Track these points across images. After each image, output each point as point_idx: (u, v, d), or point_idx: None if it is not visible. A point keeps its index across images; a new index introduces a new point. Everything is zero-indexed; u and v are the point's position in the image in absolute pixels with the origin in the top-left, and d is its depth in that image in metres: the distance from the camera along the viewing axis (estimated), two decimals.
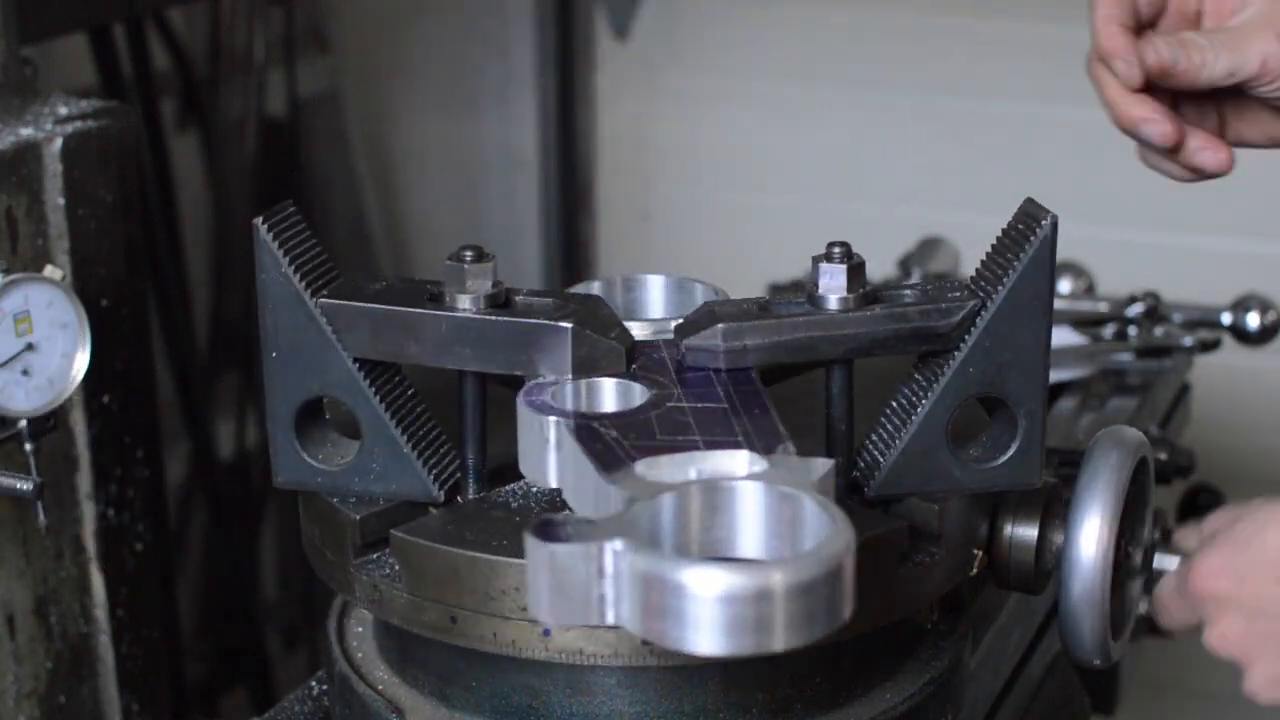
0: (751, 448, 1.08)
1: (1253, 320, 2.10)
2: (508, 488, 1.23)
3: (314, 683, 1.36)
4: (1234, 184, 3.04)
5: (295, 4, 3.02)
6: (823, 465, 1.06)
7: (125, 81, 2.45)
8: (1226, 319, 2.10)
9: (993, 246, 1.23)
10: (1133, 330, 2.04)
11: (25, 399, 1.52)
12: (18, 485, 1.52)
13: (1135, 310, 2.05)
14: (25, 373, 1.51)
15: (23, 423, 1.53)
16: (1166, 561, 1.35)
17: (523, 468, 1.18)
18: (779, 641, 0.95)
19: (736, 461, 1.07)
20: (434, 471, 1.21)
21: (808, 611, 0.95)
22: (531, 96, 3.35)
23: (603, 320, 1.21)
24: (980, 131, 3.02)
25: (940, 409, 1.21)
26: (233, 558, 2.74)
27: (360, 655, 1.30)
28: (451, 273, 1.19)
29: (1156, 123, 1.39)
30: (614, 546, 0.97)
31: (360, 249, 3.32)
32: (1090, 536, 1.26)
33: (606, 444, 1.09)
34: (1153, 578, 1.35)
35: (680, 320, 1.25)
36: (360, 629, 1.33)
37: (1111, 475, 1.27)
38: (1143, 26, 1.42)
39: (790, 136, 3.15)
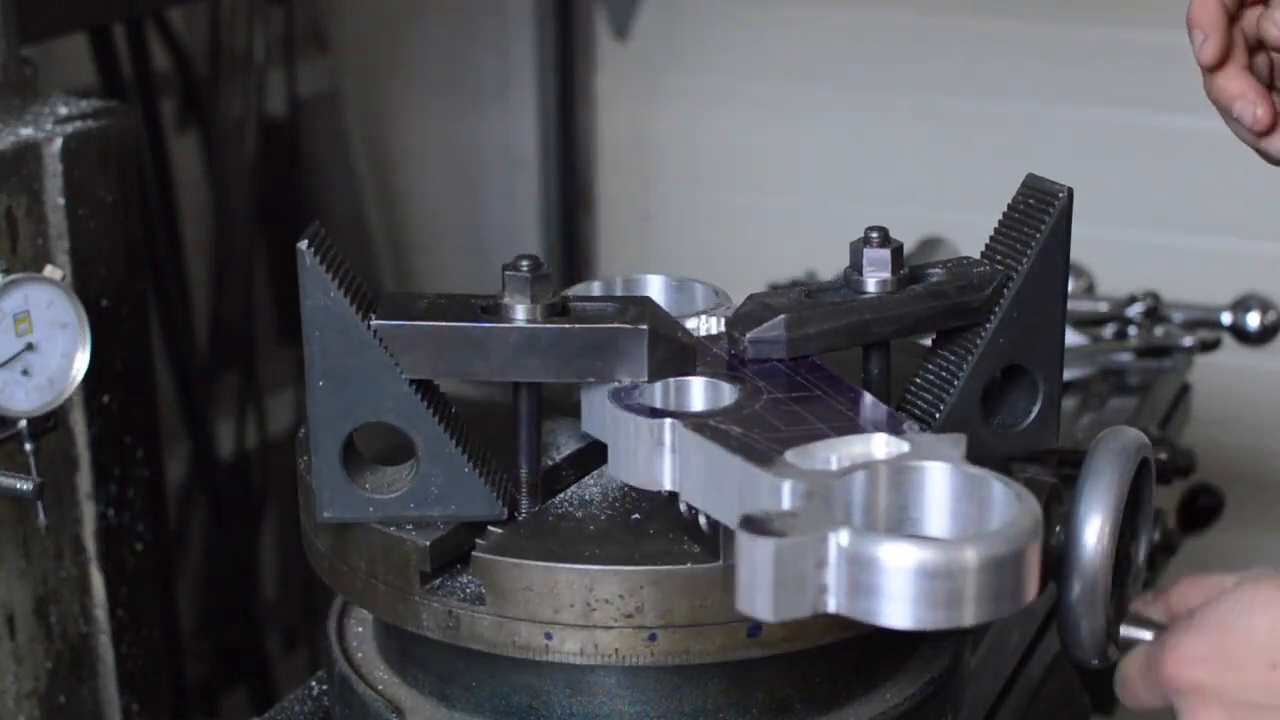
0: (880, 429, 1.10)
1: (1253, 320, 2.10)
2: (558, 498, 1.21)
3: (314, 683, 1.36)
4: (1234, 184, 3.04)
5: (295, 4, 3.02)
6: (956, 440, 1.08)
7: (125, 81, 2.45)
8: (1226, 319, 2.10)
9: (1000, 222, 1.27)
10: (1133, 330, 2.04)
11: (25, 399, 1.52)
12: (18, 485, 1.52)
13: (1135, 310, 2.05)
14: (25, 373, 1.51)
15: (23, 423, 1.53)
16: (1133, 633, 1.29)
17: (622, 474, 1.16)
18: (969, 616, 0.97)
19: (875, 444, 1.09)
20: (494, 489, 1.18)
21: (997, 588, 0.97)
22: (531, 96, 3.35)
23: (665, 320, 1.20)
24: (980, 131, 3.02)
25: (975, 380, 1.24)
26: (233, 558, 2.74)
27: (360, 655, 1.30)
28: (512, 283, 1.16)
29: (1249, 103, 1.34)
30: (838, 537, 0.97)
31: (360, 249, 3.32)
32: (1091, 536, 1.26)
33: (741, 441, 1.09)
34: (1121, 646, 1.31)
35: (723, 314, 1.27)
36: (360, 629, 1.33)
37: (1112, 475, 1.27)
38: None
39: (790, 136, 3.15)
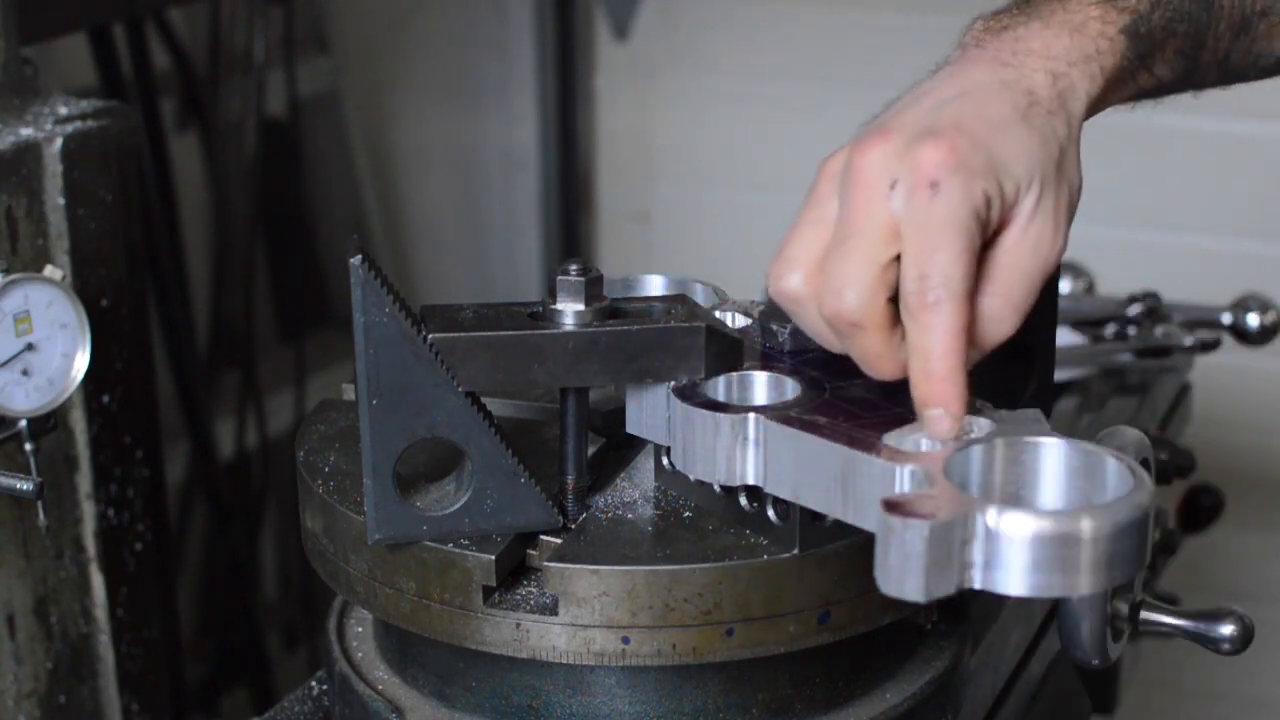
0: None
1: (1253, 320, 2.10)
2: (599, 503, 1.20)
3: (314, 683, 1.36)
4: (1234, 184, 3.04)
5: (295, 4, 3.03)
6: (1036, 415, 1.10)
7: (125, 81, 2.45)
8: (1226, 319, 2.10)
9: None
10: (1133, 330, 2.04)
11: (25, 399, 1.52)
12: (18, 485, 1.52)
13: (1135, 310, 2.05)
14: (25, 373, 1.51)
15: (23, 423, 1.53)
16: (1153, 615, 1.32)
17: (696, 470, 1.15)
18: (1089, 584, 0.99)
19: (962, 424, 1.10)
20: (548, 499, 1.18)
21: (1132, 552, 1.00)
22: (531, 96, 3.35)
23: (710, 317, 1.20)
24: None
25: (985, 357, 1.24)
26: (233, 558, 2.74)
27: (360, 655, 1.30)
28: (564, 288, 1.16)
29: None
30: (985, 514, 0.98)
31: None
32: None
33: (835, 430, 1.09)
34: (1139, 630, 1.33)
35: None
36: (360, 629, 1.33)
37: None
38: None
39: (790, 136, 3.15)
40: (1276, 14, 1.28)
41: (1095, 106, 1.20)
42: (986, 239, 1.11)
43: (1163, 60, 1.24)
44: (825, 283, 1.11)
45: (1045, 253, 1.12)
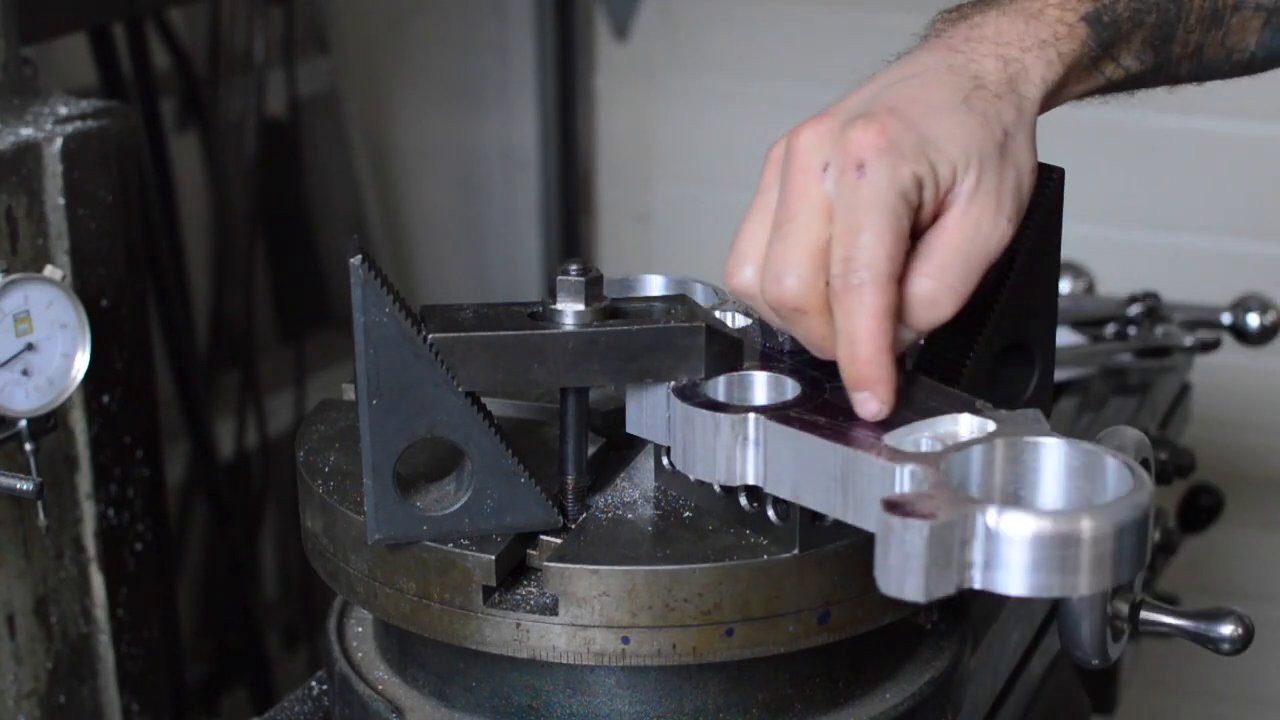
0: (954, 408, 1.11)
1: (1253, 320, 2.10)
2: (599, 503, 1.20)
3: (314, 683, 1.36)
4: (1234, 184, 3.04)
5: (295, 4, 3.03)
6: (1037, 415, 1.10)
7: (125, 81, 2.45)
8: (1226, 319, 2.10)
9: None
10: (1133, 330, 2.04)
11: (25, 399, 1.52)
12: (18, 485, 1.52)
13: (1135, 310, 2.05)
14: (25, 373, 1.51)
15: (23, 423, 1.53)
16: (1153, 615, 1.32)
17: (696, 470, 1.15)
18: (1093, 583, 0.99)
19: (962, 424, 1.10)
20: (547, 498, 1.18)
21: (1133, 551, 1.00)
22: (531, 96, 3.35)
23: (709, 317, 1.20)
24: None
25: (985, 357, 1.25)
26: (233, 558, 2.74)
27: (360, 655, 1.30)
28: (564, 288, 1.16)
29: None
30: (985, 514, 0.98)
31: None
32: None
33: (835, 430, 1.09)
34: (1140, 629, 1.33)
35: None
36: (360, 629, 1.33)
37: None
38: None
39: None
40: (1249, 7, 1.28)
41: (1057, 93, 1.20)
42: (924, 222, 1.11)
43: (1129, 51, 1.24)
44: (767, 269, 1.11)
45: (986, 234, 1.11)
